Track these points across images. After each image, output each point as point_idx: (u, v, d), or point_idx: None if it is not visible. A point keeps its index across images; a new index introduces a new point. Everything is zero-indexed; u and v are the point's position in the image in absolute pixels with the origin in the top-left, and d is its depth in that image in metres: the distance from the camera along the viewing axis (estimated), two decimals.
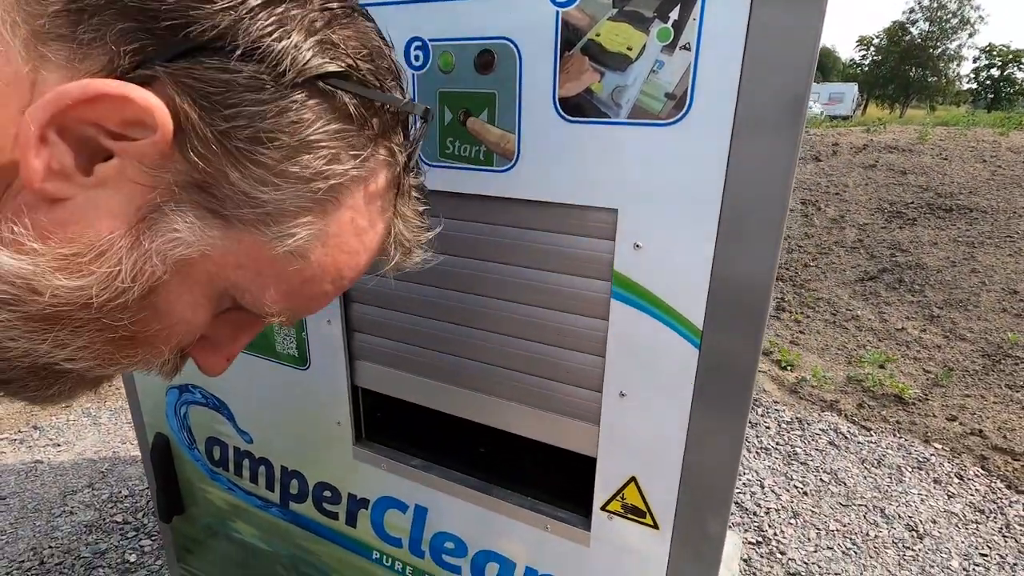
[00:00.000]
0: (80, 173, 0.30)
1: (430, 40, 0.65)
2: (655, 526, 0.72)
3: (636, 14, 0.55)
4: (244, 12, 0.31)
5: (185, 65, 0.30)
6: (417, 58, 0.67)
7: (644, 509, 0.72)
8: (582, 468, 0.77)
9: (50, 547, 1.90)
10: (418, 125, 0.42)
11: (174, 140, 0.31)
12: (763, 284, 0.58)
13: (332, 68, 0.34)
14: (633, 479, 0.71)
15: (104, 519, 2.03)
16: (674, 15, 0.53)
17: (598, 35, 0.57)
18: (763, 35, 0.51)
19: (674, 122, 0.56)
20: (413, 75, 0.68)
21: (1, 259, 0.30)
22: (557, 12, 0.58)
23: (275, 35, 0.32)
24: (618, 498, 0.73)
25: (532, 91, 0.62)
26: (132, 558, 1.86)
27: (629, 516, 0.73)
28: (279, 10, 0.32)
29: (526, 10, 0.59)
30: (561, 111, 0.61)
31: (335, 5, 0.35)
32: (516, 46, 0.61)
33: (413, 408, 1.09)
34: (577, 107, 0.60)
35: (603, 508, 0.75)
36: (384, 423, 0.98)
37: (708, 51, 0.53)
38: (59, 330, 0.32)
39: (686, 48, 0.54)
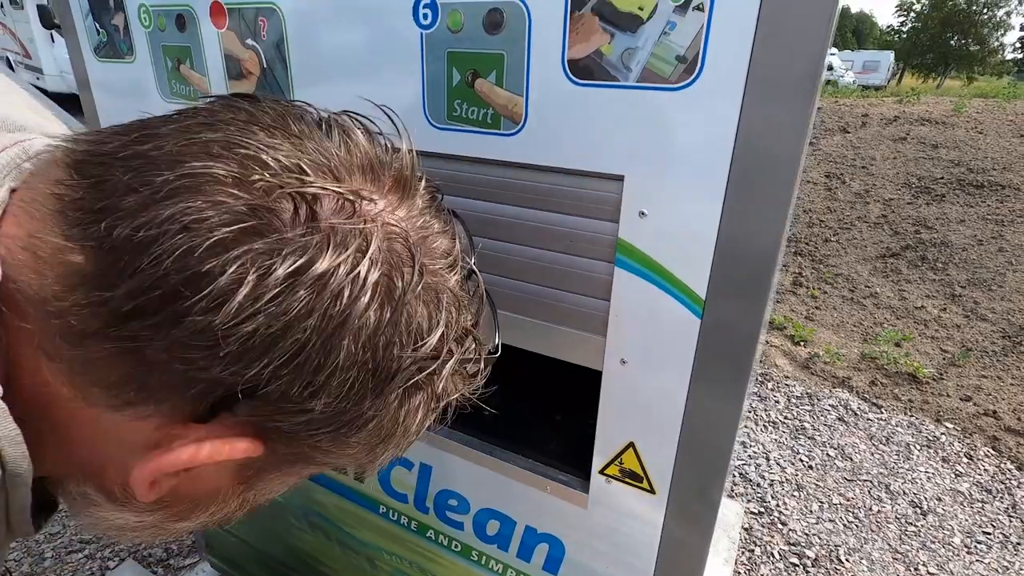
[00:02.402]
0: (184, 468, 0.33)
1: None
2: (651, 491, 0.73)
3: None
4: (324, 373, 0.31)
5: (267, 410, 0.31)
6: (426, 16, 0.66)
7: (641, 474, 0.73)
8: (582, 433, 0.78)
9: None
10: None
11: (264, 447, 0.33)
12: (768, 256, 0.57)
13: (411, 380, 0.34)
14: (631, 444, 0.73)
15: None
16: None
17: None
18: None
19: (684, 86, 0.55)
20: (422, 34, 0.67)
21: (121, 515, 0.36)
22: None
23: (354, 373, 0.32)
24: (616, 462, 0.75)
25: (541, 52, 0.60)
26: None
27: (626, 480, 0.75)
28: (358, 345, 0.31)
29: None
30: (570, 73, 0.60)
31: (410, 292, 0.33)
32: (525, 5, 0.59)
33: None
34: (586, 69, 0.59)
35: (601, 472, 0.76)
36: None
37: (721, 12, 0.51)
38: (177, 532, 0.40)
39: (699, 9, 0.52)
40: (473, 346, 0.41)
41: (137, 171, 0.29)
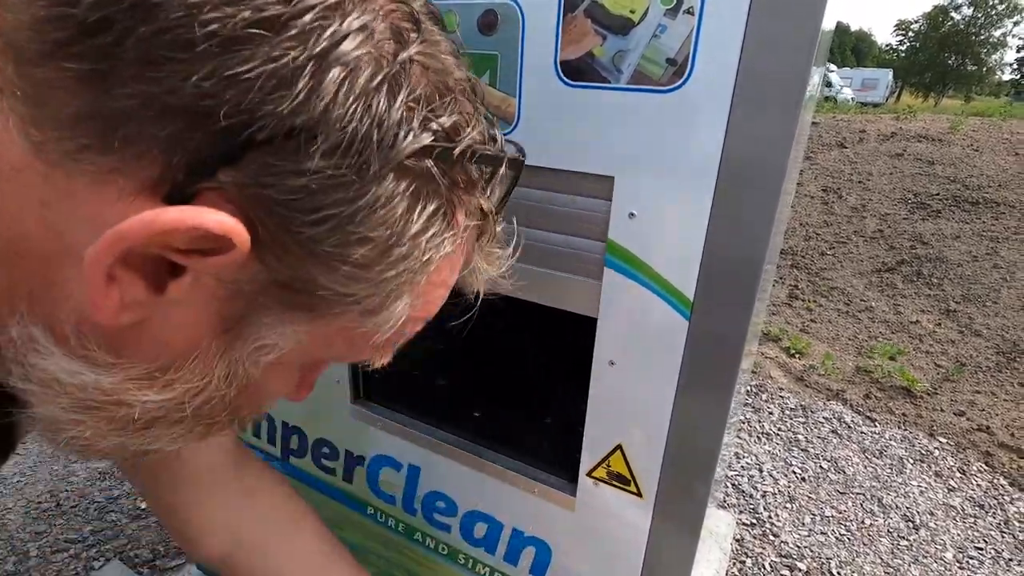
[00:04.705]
0: (152, 293, 0.27)
1: None
2: (639, 494, 0.73)
3: None
4: (319, 102, 0.25)
5: (255, 170, 0.25)
6: None
7: (629, 477, 0.73)
8: (570, 436, 0.78)
9: (66, 491, 1.98)
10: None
11: (252, 250, 0.26)
12: (756, 258, 0.58)
13: (423, 143, 0.28)
14: (619, 447, 0.73)
15: (117, 468, 2.10)
16: None
17: None
18: (768, 1, 0.50)
19: (674, 89, 0.55)
20: None
21: (77, 371, 0.28)
22: None
23: (355, 122, 0.26)
24: (604, 465, 0.75)
25: (534, 53, 0.61)
26: (143, 505, 1.93)
27: (614, 483, 0.75)
28: (356, 86, 0.26)
29: None
30: (562, 75, 0.60)
31: (415, 53, 0.28)
32: (519, 6, 0.60)
33: (410, 370, 1.10)
34: (578, 71, 0.59)
35: (589, 474, 0.76)
36: (381, 384, 1.00)
37: (711, 15, 0.52)
38: (155, 430, 0.32)
39: (689, 12, 0.53)
40: (502, 164, 0.33)
41: None
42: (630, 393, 0.69)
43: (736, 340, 0.61)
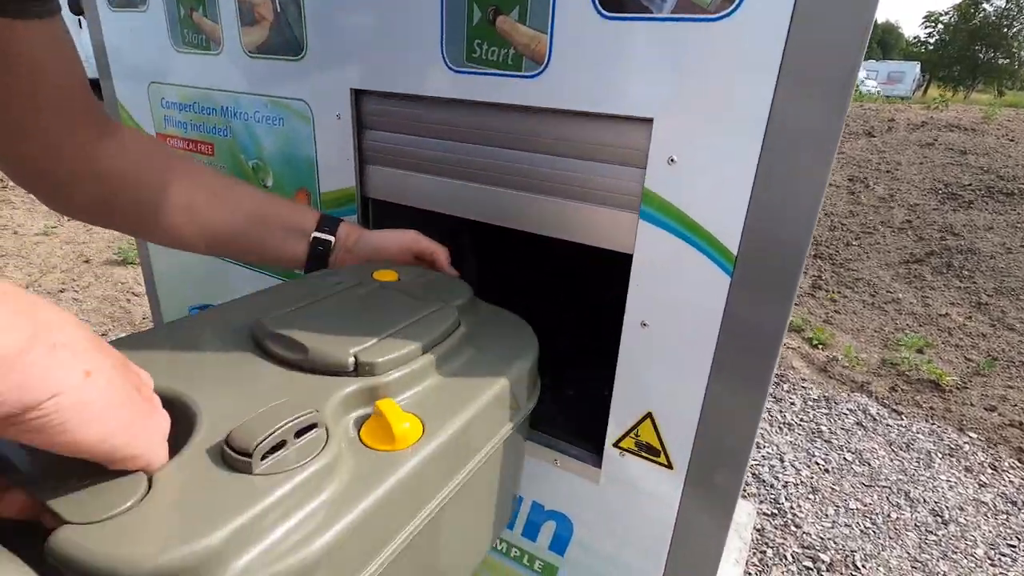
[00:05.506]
0: None
1: None
2: (669, 466, 0.69)
3: None
4: None
5: None
6: None
7: (659, 448, 0.69)
8: (594, 405, 0.74)
9: None
10: None
11: None
12: (808, 208, 0.53)
13: None
14: (649, 415, 0.68)
15: None
16: None
17: None
18: None
19: (723, 16, 0.51)
20: None
21: None
22: None
23: None
24: (632, 435, 0.70)
25: None
26: None
27: (642, 454, 0.70)
28: None
29: None
30: (599, 6, 0.56)
31: None
32: None
33: None
34: (616, 1, 0.55)
35: (615, 444, 0.72)
36: None
37: None
38: None
39: None
40: None
41: None
42: (664, 357, 0.65)
43: (784, 298, 0.56)
